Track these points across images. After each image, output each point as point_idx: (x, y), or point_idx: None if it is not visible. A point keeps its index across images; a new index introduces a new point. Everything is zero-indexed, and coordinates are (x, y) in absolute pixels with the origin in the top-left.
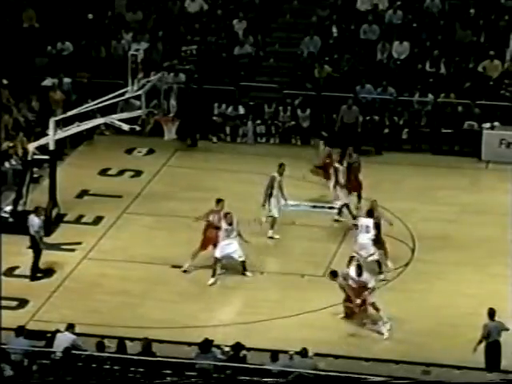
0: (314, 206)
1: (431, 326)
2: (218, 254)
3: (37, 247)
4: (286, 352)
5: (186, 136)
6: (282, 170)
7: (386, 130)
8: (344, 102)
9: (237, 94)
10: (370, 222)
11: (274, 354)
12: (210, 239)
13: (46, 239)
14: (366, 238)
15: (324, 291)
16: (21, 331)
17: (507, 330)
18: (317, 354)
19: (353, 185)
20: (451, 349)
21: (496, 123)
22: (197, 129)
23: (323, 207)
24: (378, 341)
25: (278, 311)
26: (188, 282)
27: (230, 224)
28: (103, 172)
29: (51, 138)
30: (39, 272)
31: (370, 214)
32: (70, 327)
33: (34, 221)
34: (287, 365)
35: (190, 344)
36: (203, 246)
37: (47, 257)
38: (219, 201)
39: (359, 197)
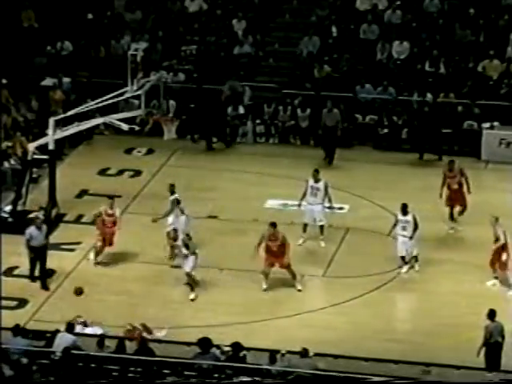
0: None
1: (431, 326)
2: (187, 268)
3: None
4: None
5: (188, 134)
6: (315, 175)
7: (386, 130)
8: (343, 102)
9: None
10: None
11: (273, 356)
12: (268, 257)
13: None
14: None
15: (324, 291)
16: (18, 330)
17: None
18: (317, 354)
19: (455, 198)
20: (451, 349)
21: (496, 123)
22: (212, 131)
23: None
24: (378, 341)
25: (278, 311)
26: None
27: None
28: (102, 172)
29: (51, 137)
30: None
31: (404, 211)
32: (70, 327)
33: (29, 229)
34: (286, 365)
35: (189, 344)
36: (271, 265)
37: (46, 257)
38: (273, 225)
39: (462, 211)
